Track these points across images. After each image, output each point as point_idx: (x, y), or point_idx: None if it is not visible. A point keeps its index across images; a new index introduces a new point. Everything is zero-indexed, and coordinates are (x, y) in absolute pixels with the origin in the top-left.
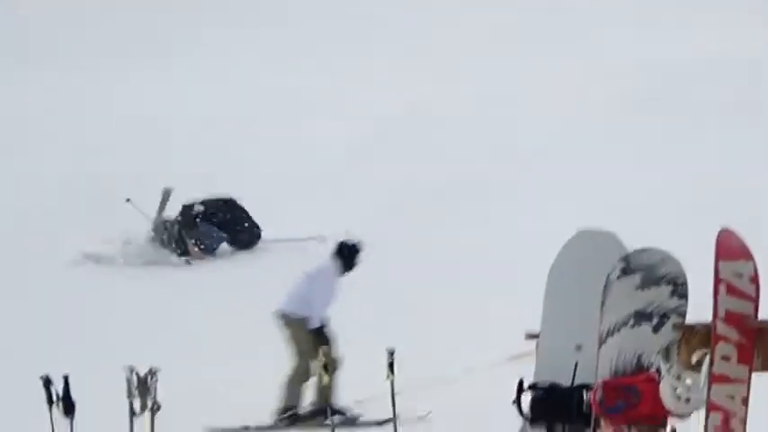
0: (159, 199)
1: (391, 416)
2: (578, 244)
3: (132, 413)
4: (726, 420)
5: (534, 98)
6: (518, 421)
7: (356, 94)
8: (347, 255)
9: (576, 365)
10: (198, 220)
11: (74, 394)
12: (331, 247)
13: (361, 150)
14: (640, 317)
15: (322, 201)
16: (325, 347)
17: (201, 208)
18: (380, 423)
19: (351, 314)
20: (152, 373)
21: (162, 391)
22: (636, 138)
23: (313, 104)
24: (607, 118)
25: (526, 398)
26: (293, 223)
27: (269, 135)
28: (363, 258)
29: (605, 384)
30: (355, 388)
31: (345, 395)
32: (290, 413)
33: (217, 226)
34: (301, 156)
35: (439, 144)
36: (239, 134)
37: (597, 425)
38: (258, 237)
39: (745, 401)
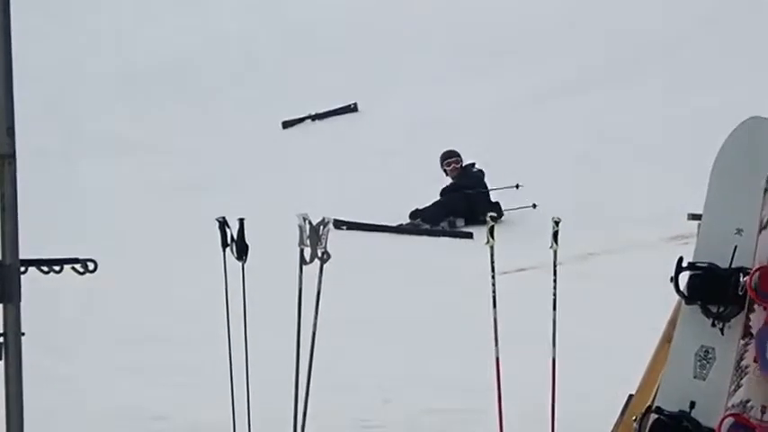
0: None
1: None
2: (748, 129)
3: (303, 261)
4: None
5: None
6: (674, 298)
7: None
8: None
9: (735, 248)
10: None
11: (248, 238)
12: None
13: None
14: None
15: None
16: None
17: None
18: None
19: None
20: (324, 223)
21: None
22: None
23: None
24: None
25: (684, 276)
26: None
27: None
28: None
29: (762, 269)
30: (519, 256)
31: (508, 261)
32: None
33: None
34: None
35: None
36: None
37: (751, 308)
38: None
39: None
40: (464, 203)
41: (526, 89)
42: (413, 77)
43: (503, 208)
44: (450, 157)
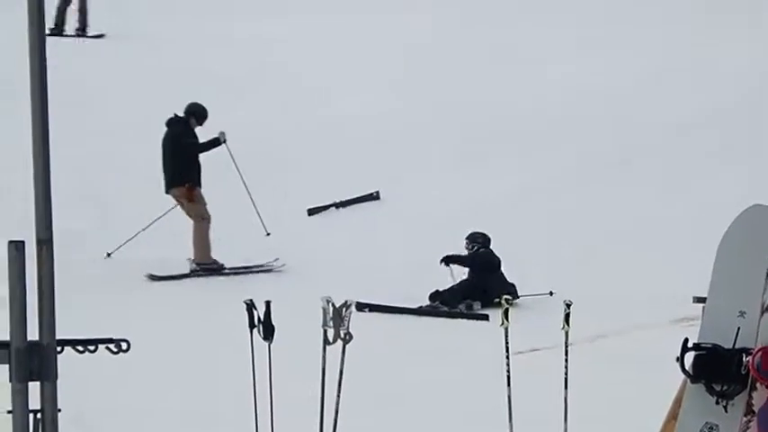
0: None
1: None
2: (750, 217)
3: (326, 341)
4: None
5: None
6: (680, 377)
7: None
8: None
9: (738, 330)
10: None
11: (274, 320)
12: None
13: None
14: None
15: None
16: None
17: None
18: None
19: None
20: (347, 305)
21: None
22: None
23: None
24: None
25: (689, 357)
26: None
27: None
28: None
29: (764, 350)
30: (532, 337)
31: (522, 342)
32: None
33: None
34: None
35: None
36: None
37: (753, 387)
38: None
39: None
40: (481, 286)
41: (536, 179)
42: (432, 167)
43: (518, 292)
44: (474, 240)
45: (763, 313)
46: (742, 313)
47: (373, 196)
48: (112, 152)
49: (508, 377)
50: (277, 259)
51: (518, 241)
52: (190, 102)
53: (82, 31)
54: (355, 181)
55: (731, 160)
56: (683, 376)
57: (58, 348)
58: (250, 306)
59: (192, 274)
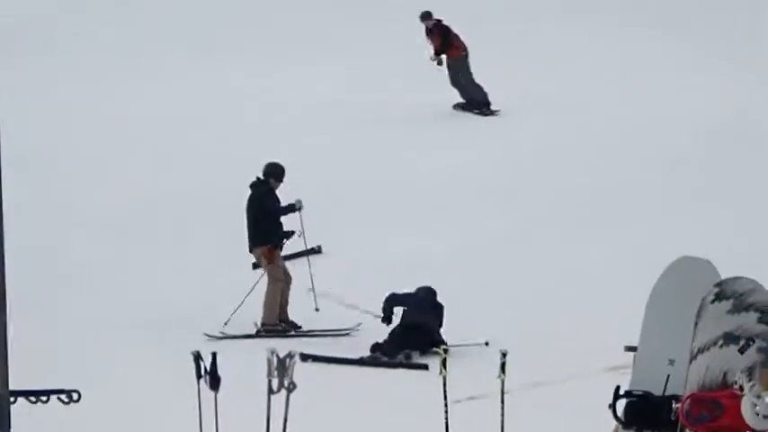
0: None
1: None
2: (680, 268)
3: (270, 391)
4: None
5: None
6: (612, 424)
7: None
8: None
9: (667, 378)
10: None
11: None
12: None
13: None
14: (729, 339)
15: None
16: None
17: None
18: None
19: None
20: (290, 355)
21: None
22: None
23: None
24: None
25: (621, 404)
26: None
27: None
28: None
29: (692, 397)
30: (470, 385)
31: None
32: None
33: None
34: None
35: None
36: None
37: None
38: None
39: None
40: (418, 336)
41: (483, 234)
42: (376, 223)
43: (456, 341)
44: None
45: (692, 361)
46: (671, 361)
47: (315, 250)
48: None
49: (446, 425)
50: (360, 324)
51: (456, 292)
52: (268, 162)
53: None
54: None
55: (675, 211)
56: (615, 423)
57: (12, 399)
58: (197, 357)
59: (257, 335)
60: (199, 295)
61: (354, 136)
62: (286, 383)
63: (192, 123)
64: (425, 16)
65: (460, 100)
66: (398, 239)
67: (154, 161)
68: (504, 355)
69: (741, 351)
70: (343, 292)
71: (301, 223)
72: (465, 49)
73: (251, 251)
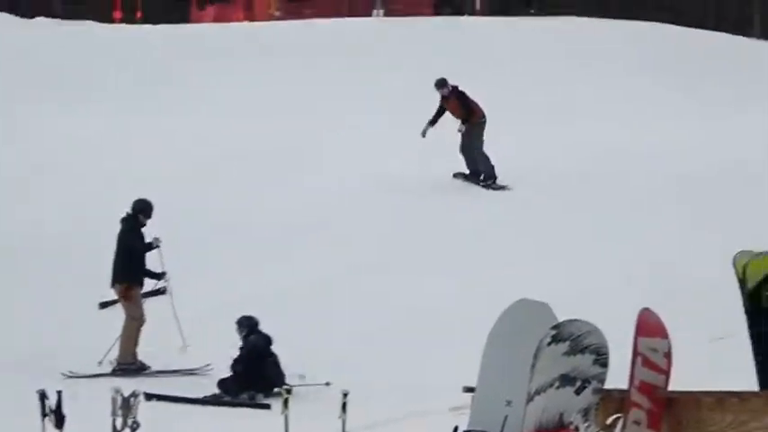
0: None
1: None
2: (517, 311)
3: (114, 429)
4: None
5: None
6: None
7: None
8: None
9: (505, 418)
10: None
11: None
12: None
13: None
14: (565, 380)
15: None
16: None
17: None
18: None
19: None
20: (134, 395)
21: None
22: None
23: None
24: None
25: None
26: None
27: None
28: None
29: None
30: (311, 425)
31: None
32: None
33: None
34: None
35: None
36: None
37: None
38: None
39: None
40: (257, 373)
41: (329, 269)
42: (222, 262)
43: (299, 380)
44: (241, 324)
45: (528, 402)
46: (509, 402)
47: (160, 291)
48: None
49: None
50: (209, 365)
51: (299, 331)
52: (137, 198)
53: None
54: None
55: (524, 261)
56: None
57: None
58: (42, 396)
59: (113, 374)
60: (60, 335)
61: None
62: (129, 422)
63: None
64: (441, 84)
65: (461, 170)
66: (250, 279)
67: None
68: (345, 395)
69: (577, 392)
70: (194, 331)
71: (161, 261)
72: (483, 115)
73: (112, 286)
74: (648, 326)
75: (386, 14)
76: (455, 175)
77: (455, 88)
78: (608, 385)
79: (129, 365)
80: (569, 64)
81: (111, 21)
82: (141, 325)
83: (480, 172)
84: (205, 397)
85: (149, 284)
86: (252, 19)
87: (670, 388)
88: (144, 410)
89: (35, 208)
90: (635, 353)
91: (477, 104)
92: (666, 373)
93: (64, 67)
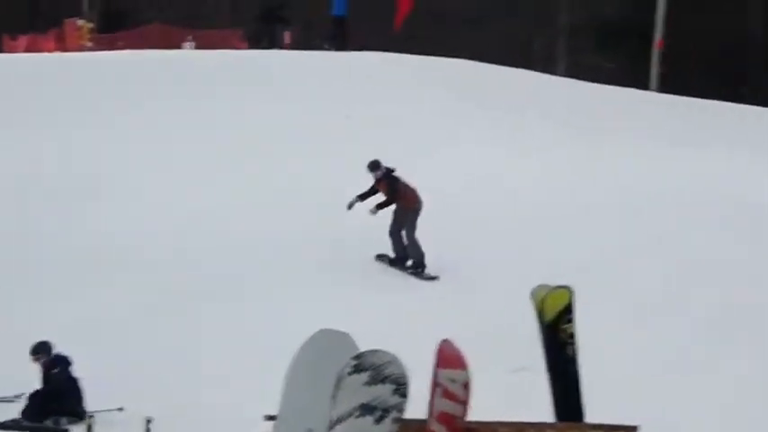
0: None
1: None
2: (318, 342)
3: None
4: None
5: None
6: None
7: None
8: None
9: None
10: None
11: None
12: None
13: None
14: (366, 409)
15: None
16: None
17: None
18: None
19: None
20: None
21: None
22: None
23: None
24: None
25: None
26: None
27: None
28: None
29: None
30: None
31: None
32: None
33: None
34: None
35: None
36: None
37: None
38: None
39: None
40: (62, 401)
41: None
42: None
43: (96, 409)
44: (35, 352)
45: (329, 431)
46: (310, 431)
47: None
48: None
49: None
50: (22, 393)
51: (100, 360)
52: None
53: None
54: None
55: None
56: None
57: None
58: None
59: None
60: None
61: None
62: None
63: None
64: (373, 166)
65: (386, 253)
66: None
67: None
68: (148, 421)
69: (377, 422)
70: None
71: None
72: (417, 201)
73: None
74: (448, 357)
75: (197, 47)
76: (377, 258)
77: (388, 171)
78: (410, 414)
79: None
80: None
81: None
82: None
83: (408, 257)
84: (4, 422)
85: None
86: (64, 50)
87: (468, 418)
88: None
89: None
90: (434, 383)
91: (412, 190)
92: (465, 404)
93: None
